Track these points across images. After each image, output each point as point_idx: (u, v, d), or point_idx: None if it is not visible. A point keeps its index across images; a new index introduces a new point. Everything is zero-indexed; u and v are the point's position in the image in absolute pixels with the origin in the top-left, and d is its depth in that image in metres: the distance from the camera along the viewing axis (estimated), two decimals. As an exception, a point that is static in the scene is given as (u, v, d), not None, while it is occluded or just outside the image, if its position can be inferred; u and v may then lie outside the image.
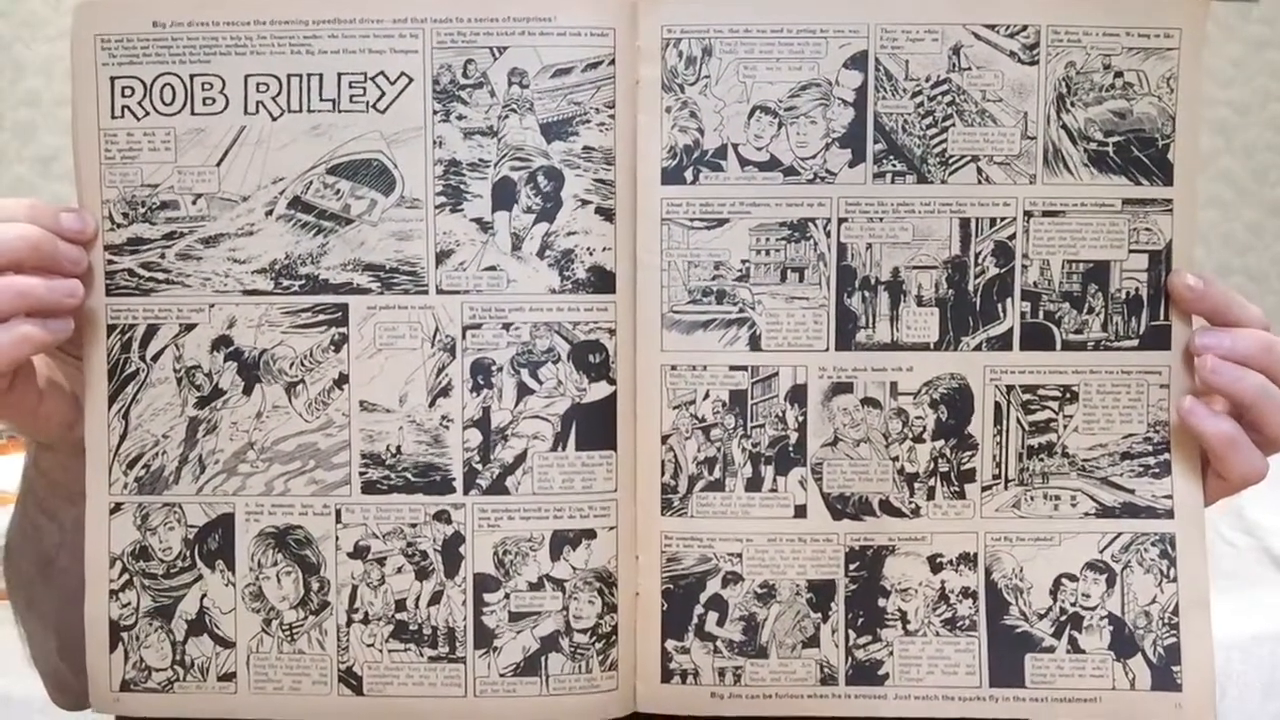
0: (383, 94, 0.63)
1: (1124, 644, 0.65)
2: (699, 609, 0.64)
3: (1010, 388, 0.64)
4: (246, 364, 0.64)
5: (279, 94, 0.63)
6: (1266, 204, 2.60)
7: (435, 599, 0.64)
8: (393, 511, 0.64)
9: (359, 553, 0.64)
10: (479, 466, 0.63)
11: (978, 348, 0.64)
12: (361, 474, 0.64)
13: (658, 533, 0.64)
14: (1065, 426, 0.65)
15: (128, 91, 0.64)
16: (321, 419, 0.64)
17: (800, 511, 0.65)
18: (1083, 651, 0.65)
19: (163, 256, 0.64)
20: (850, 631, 0.65)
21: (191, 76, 0.63)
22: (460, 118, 0.63)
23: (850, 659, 0.65)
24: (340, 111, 0.63)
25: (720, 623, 0.64)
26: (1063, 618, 0.65)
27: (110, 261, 0.64)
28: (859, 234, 0.64)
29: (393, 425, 0.63)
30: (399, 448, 0.63)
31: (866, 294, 0.64)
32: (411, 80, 0.63)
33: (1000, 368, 0.64)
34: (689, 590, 0.64)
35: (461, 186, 0.63)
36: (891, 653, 0.65)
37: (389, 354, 0.63)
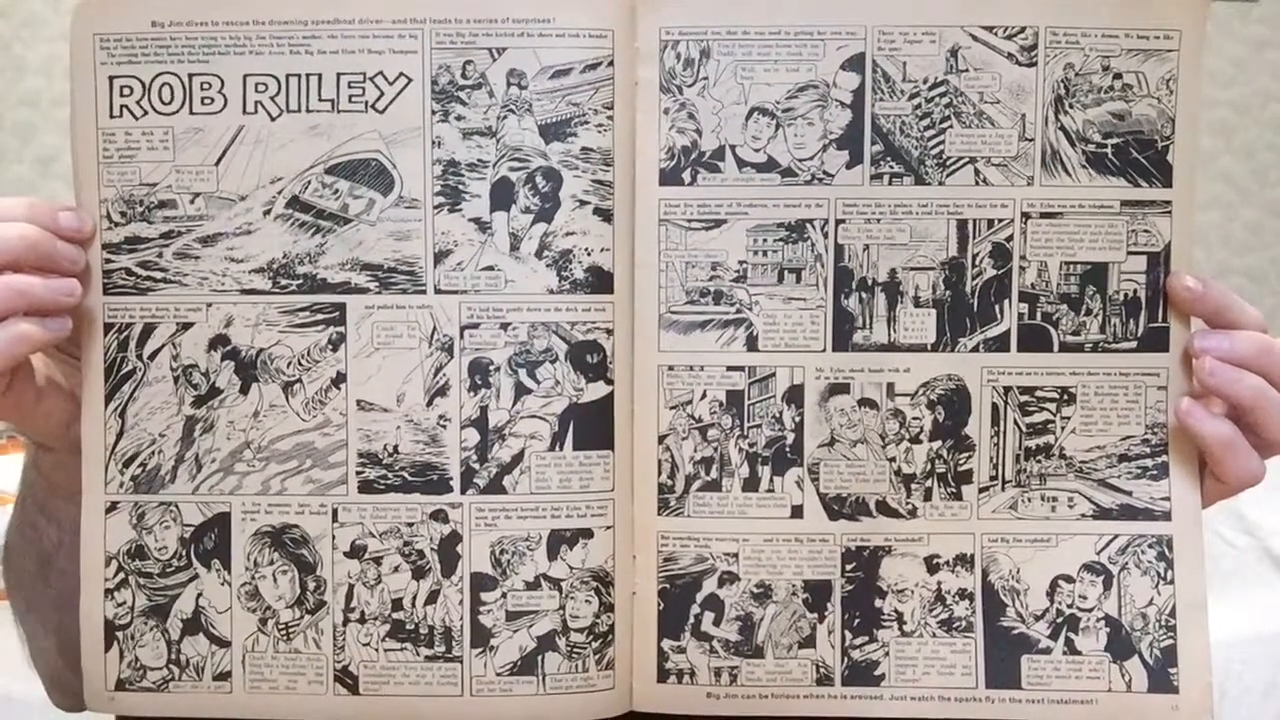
0: (381, 94, 0.63)
1: (1121, 646, 0.65)
2: (695, 609, 0.64)
3: (1007, 389, 0.64)
4: (243, 363, 0.64)
5: (278, 94, 0.63)
6: (1266, 204, 2.61)
7: (432, 598, 0.64)
8: (390, 511, 0.64)
9: (355, 552, 0.64)
10: (476, 466, 0.63)
11: (975, 349, 0.64)
12: (358, 473, 0.64)
13: (654, 533, 0.64)
14: (1063, 428, 0.65)
15: (126, 91, 0.64)
16: (318, 418, 0.64)
17: (797, 512, 0.65)
18: (1079, 653, 0.65)
19: (160, 255, 0.64)
20: (846, 632, 0.65)
21: (190, 76, 0.63)
22: (459, 118, 0.63)
23: (846, 659, 0.65)
24: (339, 111, 0.63)
25: (716, 623, 0.65)
26: (1059, 619, 0.65)
27: (108, 260, 0.64)
28: (856, 235, 0.64)
29: (390, 425, 0.64)
30: (396, 447, 0.64)
31: (864, 295, 0.64)
32: (410, 81, 0.63)
33: (997, 369, 0.64)
34: (685, 590, 0.64)
35: (460, 187, 0.63)
36: (888, 653, 0.65)
37: (386, 353, 0.64)
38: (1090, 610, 0.65)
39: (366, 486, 0.64)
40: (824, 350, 0.64)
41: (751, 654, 0.65)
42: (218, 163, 0.64)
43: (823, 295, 0.64)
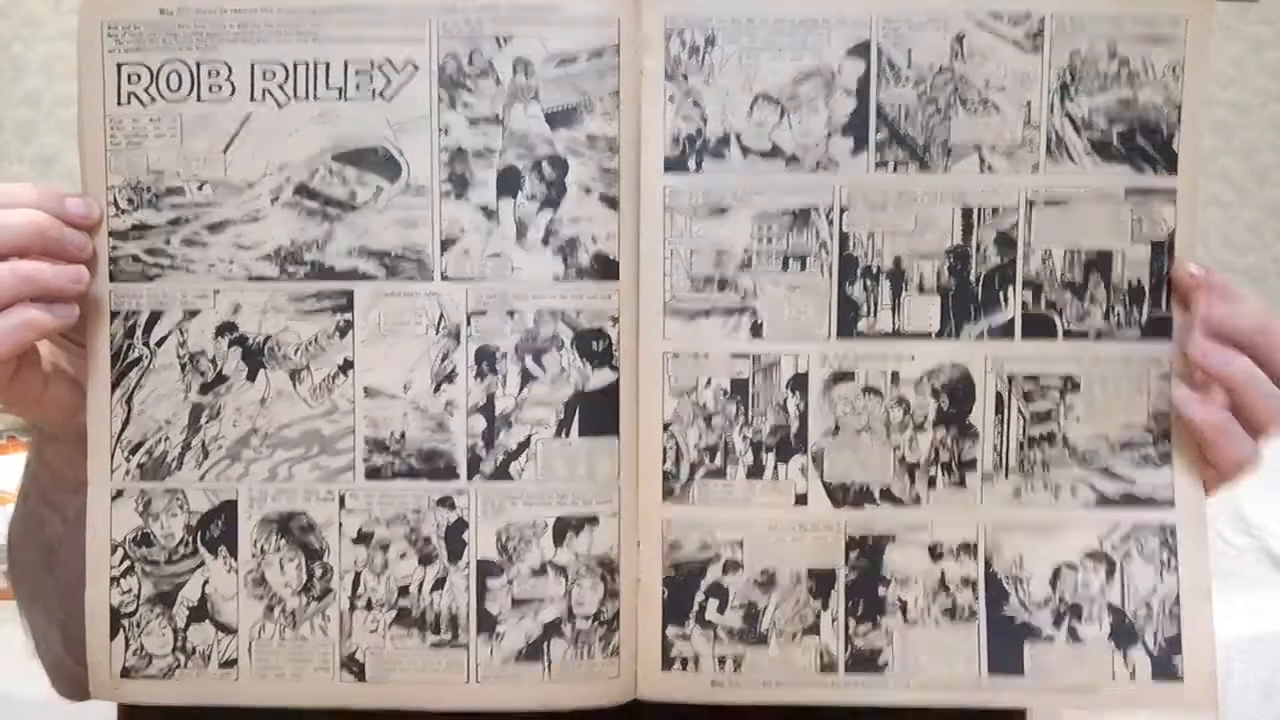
0: (389, 82, 0.63)
1: (1124, 634, 0.65)
2: (700, 596, 0.65)
3: (1012, 377, 0.65)
4: (251, 350, 0.64)
5: (285, 81, 0.63)
6: (1266, 204, 2.60)
7: (438, 585, 0.64)
8: (396, 498, 0.64)
9: (362, 539, 0.64)
10: (483, 453, 0.63)
11: (979, 337, 0.65)
12: (365, 460, 0.64)
13: (659, 520, 0.64)
14: (1066, 416, 0.65)
15: (134, 78, 0.64)
16: (325, 405, 0.64)
17: (801, 500, 0.65)
18: (1082, 641, 0.65)
19: (168, 242, 0.64)
20: (850, 620, 0.65)
21: (198, 64, 0.64)
22: (465, 106, 0.63)
23: (850, 647, 0.65)
24: (346, 100, 0.63)
25: (721, 610, 0.65)
26: (1062, 607, 0.65)
27: (115, 247, 0.64)
28: (861, 222, 0.64)
29: (397, 411, 0.64)
30: (403, 434, 0.64)
31: (868, 282, 0.64)
32: (418, 69, 0.63)
33: (1002, 357, 0.65)
34: (690, 577, 0.65)
35: (466, 174, 0.63)
36: (891, 641, 0.65)
37: (393, 340, 0.64)
38: (1093, 598, 0.65)
39: (373, 473, 0.64)
40: (828, 338, 0.65)
41: (756, 642, 0.65)
42: (225, 150, 0.64)
43: (827, 283, 0.64)
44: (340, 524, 0.64)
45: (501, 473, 0.64)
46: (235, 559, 0.64)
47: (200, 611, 0.65)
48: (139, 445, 0.64)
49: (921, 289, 0.64)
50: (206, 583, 0.65)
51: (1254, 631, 1.39)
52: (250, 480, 0.64)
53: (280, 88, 0.63)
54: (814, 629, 0.65)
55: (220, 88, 0.64)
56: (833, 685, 0.65)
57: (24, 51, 2.40)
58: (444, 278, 0.63)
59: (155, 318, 0.64)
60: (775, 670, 0.65)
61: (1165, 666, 0.65)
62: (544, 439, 0.64)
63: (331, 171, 0.63)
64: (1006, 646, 0.65)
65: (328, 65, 0.63)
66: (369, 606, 0.64)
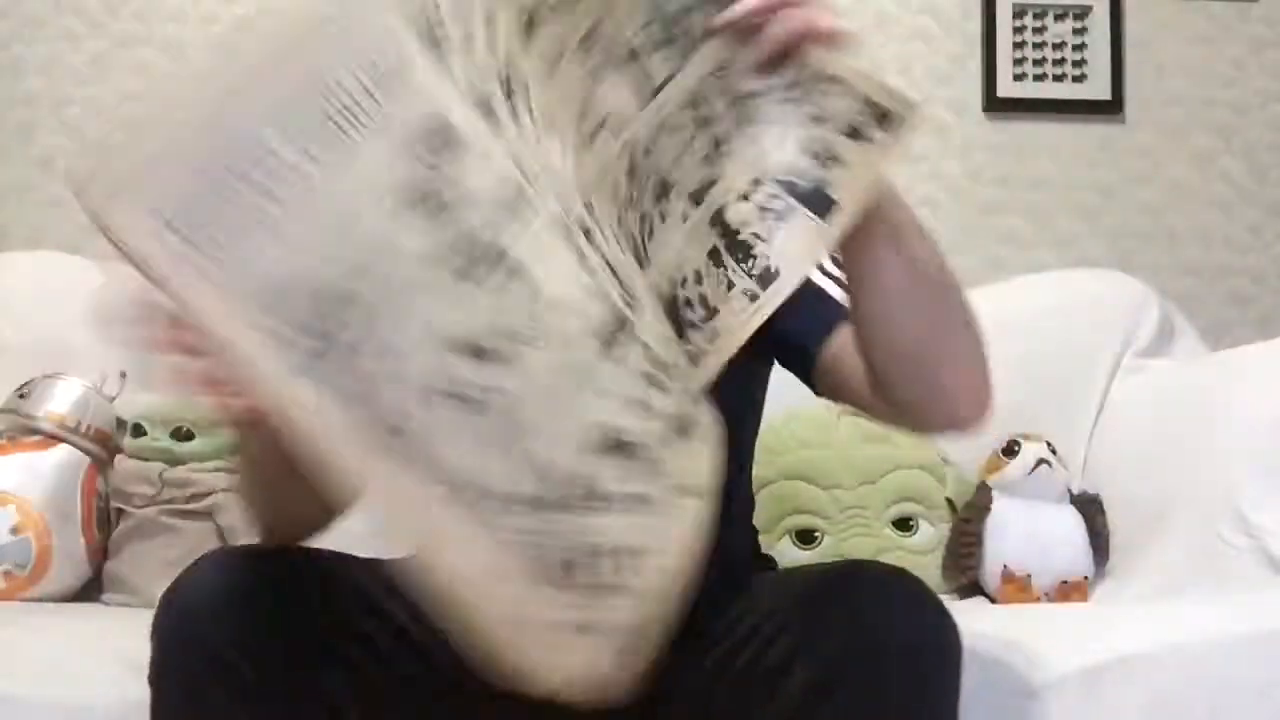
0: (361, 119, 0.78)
1: (855, 135, 0.96)
2: (687, 299, 0.98)
3: (723, 67, 0.99)
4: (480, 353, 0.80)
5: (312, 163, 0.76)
6: (1266, 204, 2.60)
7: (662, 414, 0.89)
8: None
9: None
10: (624, 296, 0.90)
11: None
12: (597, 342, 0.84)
13: (650, 273, 0.98)
14: (769, 96, 0.99)
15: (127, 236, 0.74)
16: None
17: (708, 212, 0.97)
18: (842, 162, 0.96)
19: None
20: (740, 267, 0.96)
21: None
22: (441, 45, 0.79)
23: (751, 279, 0.95)
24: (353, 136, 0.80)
25: (704, 308, 0.97)
26: (811, 163, 0.96)
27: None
28: None
29: (576, 299, 0.84)
30: (590, 311, 0.85)
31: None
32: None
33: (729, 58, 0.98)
34: (675, 298, 0.99)
35: (491, 102, 0.80)
36: (769, 256, 0.95)
37: (550, 258, 0.80)
38: (827, 151, 0.95)
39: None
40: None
41: (717, 322, 0.96)
42: (339, 243, 0.76)
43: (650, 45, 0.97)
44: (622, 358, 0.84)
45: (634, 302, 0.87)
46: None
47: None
48: (372, 418, 0.70)
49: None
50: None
51: (1253, 631, 1.38)
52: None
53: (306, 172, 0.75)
54: (731, 287, 0.96)
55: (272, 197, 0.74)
56: (759, 309, 0.96)
57: (24, 51, 2.41)
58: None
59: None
60: (734, 324, 0.96)
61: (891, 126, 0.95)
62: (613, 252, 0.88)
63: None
64: (819, 205, 0.94)
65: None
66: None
